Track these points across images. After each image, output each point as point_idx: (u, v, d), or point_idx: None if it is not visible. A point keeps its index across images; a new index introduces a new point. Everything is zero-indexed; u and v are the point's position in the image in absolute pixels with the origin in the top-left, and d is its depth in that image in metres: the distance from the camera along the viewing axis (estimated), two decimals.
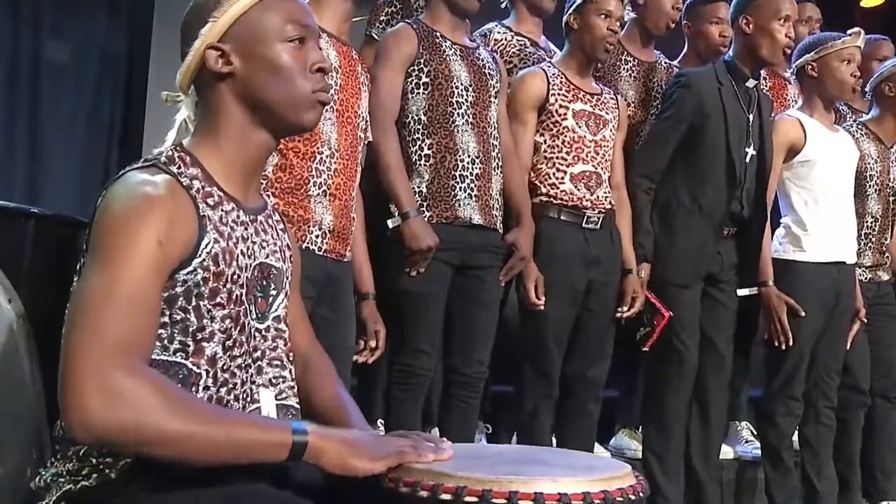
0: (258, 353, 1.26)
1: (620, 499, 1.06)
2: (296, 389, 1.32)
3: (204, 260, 1.15)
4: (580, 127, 2.62)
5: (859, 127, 3.12)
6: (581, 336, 2.66)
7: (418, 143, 2.37)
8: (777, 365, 2.83)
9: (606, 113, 2.69)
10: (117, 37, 4.55)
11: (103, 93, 4.52)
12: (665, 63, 3.18)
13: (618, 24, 2.63)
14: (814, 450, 2.89)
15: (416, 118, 2.38)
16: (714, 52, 3.03)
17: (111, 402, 1.00)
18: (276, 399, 1.27)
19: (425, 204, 2.35)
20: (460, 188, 2.37)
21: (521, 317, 2.62)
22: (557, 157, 2.60)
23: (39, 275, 1.64)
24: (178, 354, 1.14)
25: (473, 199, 2.38)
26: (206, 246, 1.15)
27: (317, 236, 2.04)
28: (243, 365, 1.21)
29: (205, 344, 1.15)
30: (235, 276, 1.19)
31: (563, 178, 2.59)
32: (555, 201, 2.59)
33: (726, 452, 3.12)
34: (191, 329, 1.14)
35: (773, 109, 2.97)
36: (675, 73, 2.92)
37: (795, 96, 3.18)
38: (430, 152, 2.36)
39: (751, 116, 2.75)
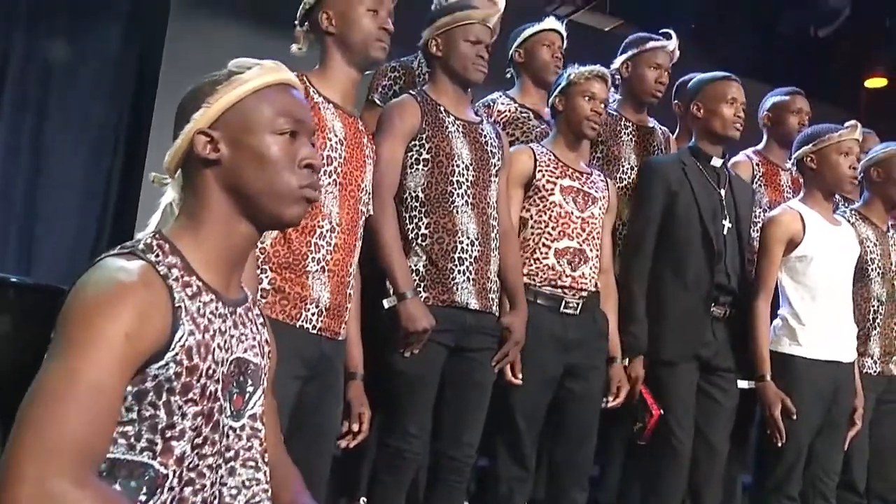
0: (231, 454, 1.21)
1: None
2: (270, 493, 1.27)
3: (177, 353, 1.11)
4: (567, 203, 2.60)
5: (852, 213, 3.09)
6: (565, 419, 2.61)
7: (416, 221, 2.34)
8: (773, 461, 2.77)
9: (596, 192, 2.67)
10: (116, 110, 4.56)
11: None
12: (661, 130, 3.18)
13: (601, 105, 2.64)
14: None
15: (415, 195, 2.34)
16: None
17: None
18: (249, 503, 1.22)
19: (422, 285, 2.31)
20: (458, 271, 2.33)
21: (494, 401, 2.54)
22: (543, 233, 2.58)
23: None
24: (144, 454, 1.09)
25: (471, 282, 2.34)
26: (181, 338, 1.11)
27: (313, 314, 1.99)
28: (213, 465, 1.16)
29: (174, 443, 1.10)
30: (210, 371, 1.16)
31: (546, 252, 2.56)
32: (532, 283, 2.54)
33: None
34: (160, 426, 1.10)
35: (753, 191, 3.04)
36: (643, 161, 2.97)
37: (789, 182, 3.17)
38: (427, 232, 2.33)
39: (722, 191, 2.81)
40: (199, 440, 1.14)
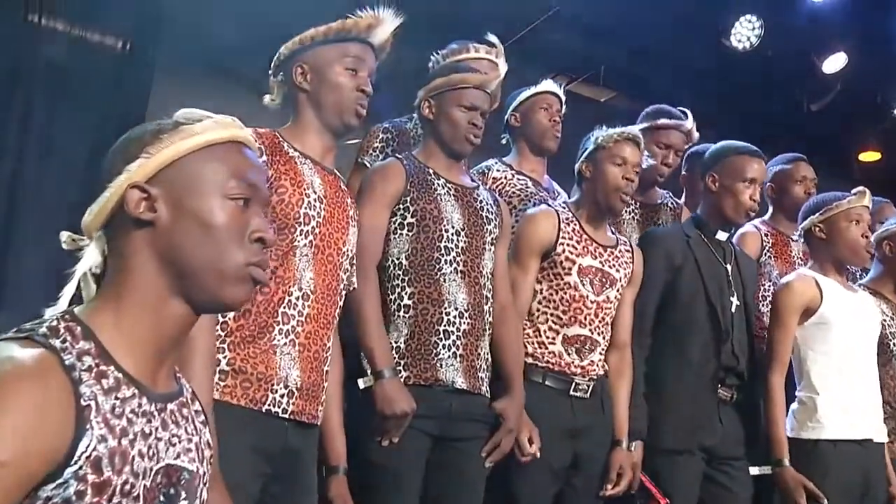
0: None
1: None
2: None
3: (81, 467, 0.88)
4: (584, 285, 2.36)
5: (863, 289, 2.88)
6: None
7: (397, 290, 2.10)
8: None
9: (617, 270, 2.43)
10: None
11: None
12: (672, 204, 3.00)
13: (634, 171, 2.40)
14: None
15: (398, 262, 2.11)
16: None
17: None
18: None
19: (402, 362, 2.06)
20: (443, 346, 2.08)
21: (496, 483, 2.27)
22: (552, 315, 2.34)
23: None
24: None
25: (458, 359, 2.10)
26: (87, 448, 0.89)
27: (281, 396, 1.73)
28: None
29: None
30: (127, 487, 0.92)
31: (554, 338, 2.33)
32: (540, 364, 2.31)
33: None
34: None
35: (763, 262, 2.87)
36: (643, 233, 2.76)
37: (799, 253, 2.97)
38: (410, 303, 2.09)
39: (729, 267, 2.59)
40: None
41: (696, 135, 2.95)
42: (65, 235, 1.08)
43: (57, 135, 4.07)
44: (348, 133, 1.95)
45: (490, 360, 2.21)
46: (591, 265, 2.38)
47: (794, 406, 2.59)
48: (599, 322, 2.37)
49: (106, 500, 0.89)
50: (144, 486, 0.95)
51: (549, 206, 2.47)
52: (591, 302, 2.36)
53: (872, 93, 5.50)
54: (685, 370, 2.47)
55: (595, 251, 2.40)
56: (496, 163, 2.76)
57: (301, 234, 1.78)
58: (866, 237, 2.63)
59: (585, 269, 2.37)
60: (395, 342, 2.08)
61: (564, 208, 2.45)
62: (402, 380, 2.03)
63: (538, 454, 2.21)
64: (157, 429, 1.00)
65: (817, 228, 2.66)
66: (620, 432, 2.40)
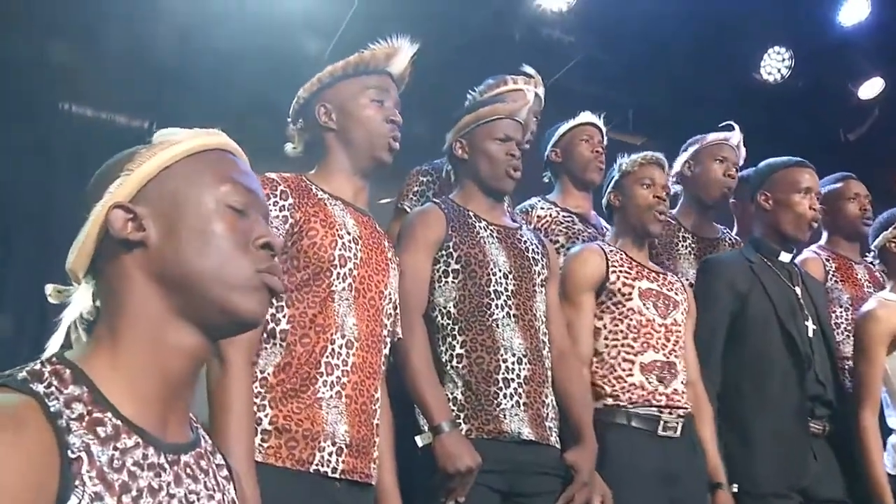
0: None
1: None
2: None
3: None
4: (648, 308, 2.21)
5: None
6: None
7: (448, 340, 1.95)
8: None
9: (676, 294, 2.28)
10: None
11: None
12: (731, 239, 2.83)
13: (664, 192, 2.30)
14: None
15: (445, 311, 1.97)
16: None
17: None
18: None
19: (462, 415, 1.90)
20: (504, 395, 1.92)
21: None
22: (623, 345, 2.17)
23: None
24: None
25: (521, 407, 1.93)
26: None
27: (330, 454, 1.57)
28: None
29: None
30: None
31: (630, 369, 2.15)
32: (622, 404, 2.12)
33: None
34: None
35: (830, 288, 2.67)
36: (703, 259, 2.58)
37: (866, 276, 2.78)
38: (462, 352, 1.94)
39: (798, 290, 2.40)
40: None
41: (743, 151, 2.82)
42: (49, 288, 0.95)
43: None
44: (379, 169, 1.82)
45: (557, 408, 2.04)
46: (651, 287, 2.24)
47: (893, 440, 2.37)
48: (673, 345, 2.21)
49: None
50: None
51: (593, 242, 2.36)
52: (659, 325, 2.21)
53: None
54: (766, 404, 2.26)
55: (649, 275, 2.28)
56: (540, 200, 2.63)
57: (338, 278, 1.65)
58: None
59: (645, 291, 2.23)
60: (451, 394, 1.92)
61: (604, 242, 2.35)
62: (462, 433, 1.86)
63: None
64: (168, 484, 0.86)
65: (894, 244, 2.48)
66: (718, 474, 2.20)
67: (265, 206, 0.99)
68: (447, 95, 2.71)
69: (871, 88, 4.87)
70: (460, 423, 1.88)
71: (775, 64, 4.74)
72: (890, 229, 2.51)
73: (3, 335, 3.58)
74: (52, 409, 0.77)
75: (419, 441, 1.85)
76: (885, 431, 2.38)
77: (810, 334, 2.34)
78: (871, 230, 2.61)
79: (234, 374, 1.49)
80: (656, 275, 2.30)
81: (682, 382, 2.19)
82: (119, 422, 0.83)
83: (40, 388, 0.79)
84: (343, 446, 1.59)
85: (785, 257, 2.44)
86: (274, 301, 1.56)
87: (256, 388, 1.56)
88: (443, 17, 3.79)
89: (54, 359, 0.84)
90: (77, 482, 0.75)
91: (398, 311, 1.82)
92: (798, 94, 4.86)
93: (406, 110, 1.85)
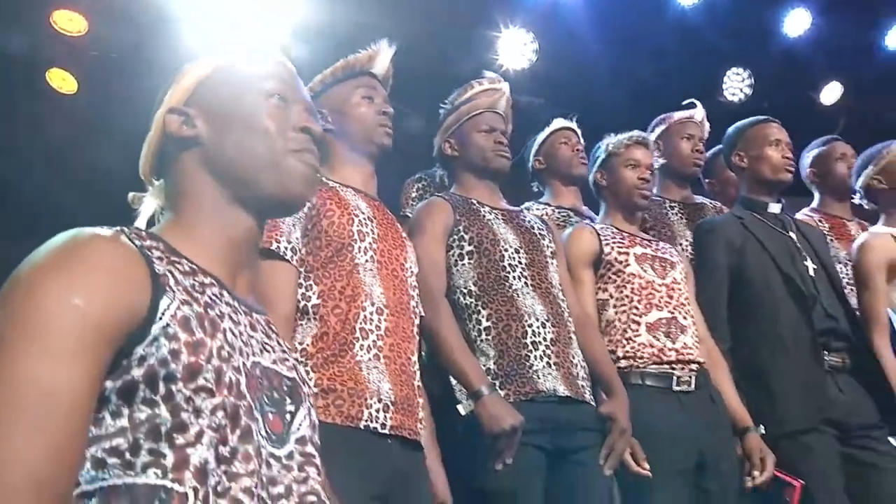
0: (280, 489, 0.87)
1: None
2: None
3: (168, 326, 0.81)
4: (646, 271, 2.32)
5: None
6: None
7: (474, 316, 2.05)
8: None
9: (670, 256, 2.40)
10: None
11: None
12: (712, 204, 2.98)
13: (648, 172, 2.44)
14: None
15: (466, 291, 2.07)
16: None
17: None
18: None
19: (497, 382, 1.97)
20: (535, 357, 2.00)
21: None
22: (629, 308, 2.27)
23: None
24: (149, 472, 0.76)
25: (553, 367, 2.00)
26: (169, 307, 0.82)
27: (377, 410, 1.63)
28: (256, 494, 0.81)
29: (189, 450, 0.78)
30: (224, 353, 0.84)
31: (637, 329, 2.24)
32: (636, 365, 2.20)
33: None
34: (164, 429, 0.78)
35: (825, 235, 2.77)
36: (696, 225, 2.71)
37: (859, 231, 2.89)
38: (489, 324, 2.03)
39: (793, 235, 2.51)
40: (224, 451, 0.81)
41: (707, 126, 2.98)
42: (130, 195, 1.07)
43: None
44: (382, 154, 1.96)
45: (587, 367, 2.12)
46: (645, 252, 2.36)
47: None
48: (676, 304, 2.29)
49: (204, 359, 0.82)
50: (244, 365, 0.87)
51: (582, 223, 2.50)
52: (660, 285, 2.30)
53: (878, 118, 5.56)
54: (778, 348, 2.33)
55: (641, 242, 2.40)
56: (533, 204, 2.78)
57: (360, 251, 1.76)
58: None
59: (640, 256, 2.34)
60: (485, 366, 1.99)
61: (596, 223, 2.48)
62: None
63: (648, 472, 2.06)
64: (246, 325, 0.94)
65: (875, 181, 2.62)
66: (744, 419, 2.25)
67: (305, 97, 1.09)
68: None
69: (831, 94, 5.10)
70: (497, 390, 1.95)
71: (736, 85, 4.99)
72: (870, 167, 2.64)
73: None
74: (137, 243, 0.87)
75: (461, 410, 1.91)
76: None
77: (811, 273, 2.43)
78: (853, 172, 2.73)
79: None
80: (648, 241, 2.42)
81: (692, 338, 2.26)
82: (194, 266, 0.92)
83: (121, 232, 0.89)
84: (389, 403, 1.65)
85: (774, 208, 2.56)
86: (302, 281, 1.69)
87: (298, 358, 1.65)
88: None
89: (130, 228, 0.93)
90: (165, 289, 0.84)
91: (418, 290, 1.91)
92: (763, 111, 5.08)
93: None
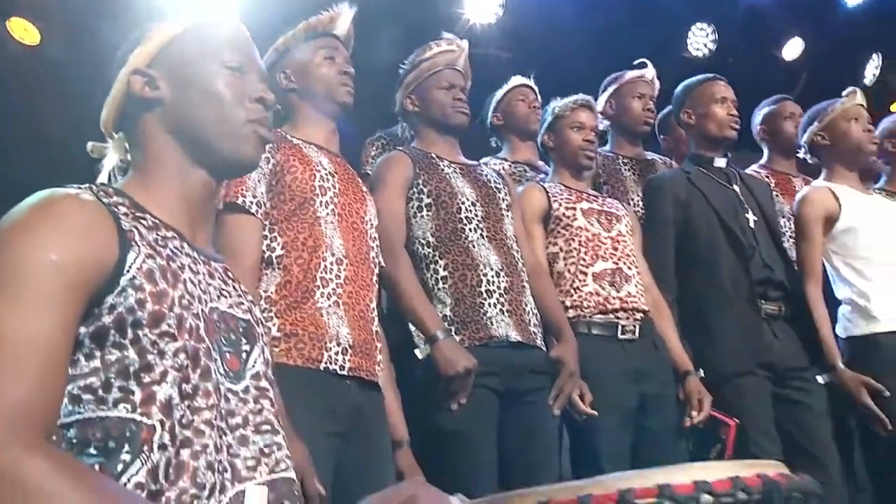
0: (237, 419, 0.99)
1: (787, 486, 0.74)
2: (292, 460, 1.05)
3: (135, 278, 0.91)
4: (592, 225, 2.45)
5: (877, 192, 2.91)
6: (645, 463, 2.28)
7: (432, 266, 2.16)
8: (887, 452, 2.42)
9: (616, 210, 2.54)
10: None
11: None
12: (662, 160, 3.10)
13: (592, 133, 2.56)
14: None
15: (424, 241, 2.18)
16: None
17: None
18: (273, 472, 0.99)
19: (453, 329, 2.10)
20: (489, 304, 2.12)
21: (571, 446, 2.30)
22: (577, 260, 2.40)
23: None
24: (120, 406, 0.87)
25: (506, 314, 2.13)
26: (135, 261, 0.92)
27: (336, 353, 1.75)
28: (214, 424, 0.93)
29: (155, 388, 0.89)
30: (185, 301, 0.95)
31: (584, 279, 2.37)
32: (583, 314, 2.34)
33: None
34: (132, 369, 0.88)
35: (769, 187, 2.92)
36: (646, 181, 2.84)
37: (803, 187, 3.02)
38: (446, 273, 2.15)
39: (736, 188, 2.65)
40: (187, 387, 0.92)
41: (657, 83, 3.07)
42: (90, 145, 1.16)
43: None
44: (344, 112, 2.04)
45: (538, 315, 2.24)
46: (591, 207, 2.49)
47: (843, 308, 2.59)
48: (621, 255, 2.43)
49: (167, 307, 0.92)
50: (202, 311, 0.97)
51: (532, 181, 2.62)
52: (605, 237, 2.44)
53: (838, 74, 5.67)
54: (719, 296, 2.49)
55: (588, 198, 2.52)
56: (491, 159, 2.89)
57: (321, 205, 1.85)
58: (868, 131, 2.70)
59: (587, 210, 2.47)
60: (442, 312, 2.11)
61: (545, 181, 2.60)
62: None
63: (594, 412, 2.21)
64: (204, 274, 1.03)
65: (819, 137, 2.73)
66: (685, 364, 2.41)
67: (261, 66, 1.18)
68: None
69: (792, 49, 5.20)
70: (453, 335, 2.07)
71: (700, 40, 5.06)
72: (815, 123, 2.75)
73: None
74: (103, 201, 0.96)
75: (418, 354, 2.04)
76: (836, 303, 2.61)
77: (752, 225, 2.57)
78: (799, 129, 2.85)
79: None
80: (595, 197, 2.56)
81: (635, 287, 2.40)
82: (157, 220, 1.02)
83: (89, 190, 0.98)
84: (347, 346, 1.77)
85: (720, 162, 2.69)
86: (266, 233, 1.79)
87: (263, 305, 1.74)
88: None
89: (97, 185, 1.03)
90: (131, 244, 0.93)
91: (378, 241, 2.02)
92: (727, 66, 5.17)
93: None
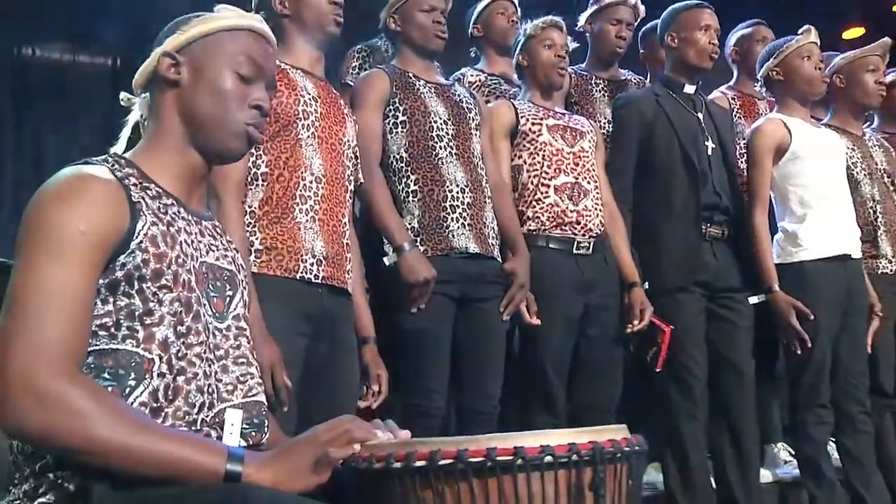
0: (221, 352, 1.23)
1: (611, 449, 1.01)
2: (263, 386, 1.31)
3: (142, 242, 1.13)
4: (556, 140, 2.64)
5: (825, 127, 3.06)
6: (584, 365, 2.62)
7: (404, 180, 2.38)
8: (799, 373, 2.74)
9: (581, 127, 2.72)
10: None
11: None
12: (637, 79, 3.24)
13: (563, 50, 2.70)
14: (855, 459, 2.76)
15: (398, 156, 2.39)
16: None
17: (41, 405, 1.00)
18: (246, 396, 1.24)
19: (419, 239, 2.34)
20: (452, 219, 2.36)
21: (519, 350, 2.59)
22: (541, 173, 2.61)
23: None
24: (127, 342, 1.11)
25: (467, 228, 2.37)
26: (143, 228, 1.14)
27: (311, 264, 2.00)
28: (204, 357, 1.18)
29: (154, 329, 1.13)
30: (181, 260, 1.18)
31: (546, 192, 2.59)
32: (543, 226, 2.57)
33: (765, 476, 2.97)
34: (137, 313, 1.12)
35: (734, 122, 3.08)
36: (614, 99, 2.99)
37: (766, 110, 3.19)
38: (416, 188, 2.37)
39: (700, 115, 2.82)
40: (181, 328, 1.15)
41: (641, 8, 3.17)
42: (123, 95, 1.37)
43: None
44: (331, 41, 2.20)
45: (497, 229, 2.48)
46: (557, 123, 2.68)
47: (778, 235, 2.83)
48: (581, 170, 2.64)
49: (165, 266, 1.15)
50: (194, 266, 1.21)
51: (502, 99, 2.79)
52: (568, 153, 2.64)
53: None
54: (671, 214, 2.71)
55: (555, 115, 2.70)
56: (469, 70, 3.05)
57: (303, 128, 2.04)
58: (819, 69, 2.86)
59: (553, 127, 2.66)
60: (409, 224, 2.34)
61: (516, 98, 2.77)
62: (421, 252, 2.31)
63: (538, 321, 2.48)
64: (196, 233, 1.26)
65: (774, 72, 2.89)
66: (632, 275, 2.67)
67: (273, 80, 1.36)
68: None
69: None
70: (418, 246, 2.32)
71: None
72: (771, 59, 2.89)
73: None
74: (117, 175, 1.18)
75: (386, 261, 2.29)
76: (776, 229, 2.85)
77: (709, 153, 2.77)
78: (757, 63, 2.98)
79: (228, 210, 1.91)
80: (561, 114, 2.74)
81: (592, 202, 2.62)
82: (160, 189, 1.24)
83: (108, 165, 1.19)
84: (322, 258, 2.01)
85: (689, 89, 2.84)
86: (253, 151, 1.99)
87: (247, 219, 1.97)
88: None
89: (112, 156, 1.24)
90: (140, 214, 1.15)
91: (357, 157, 2.23)
92: None
93: None
